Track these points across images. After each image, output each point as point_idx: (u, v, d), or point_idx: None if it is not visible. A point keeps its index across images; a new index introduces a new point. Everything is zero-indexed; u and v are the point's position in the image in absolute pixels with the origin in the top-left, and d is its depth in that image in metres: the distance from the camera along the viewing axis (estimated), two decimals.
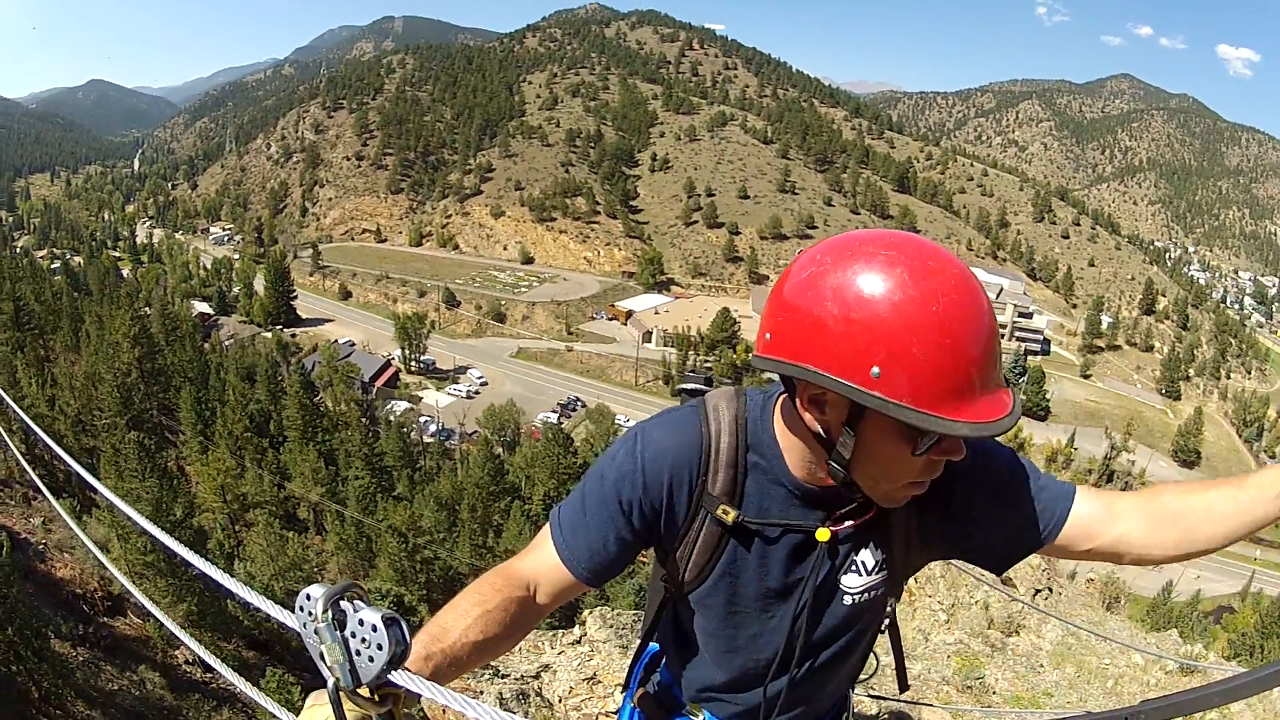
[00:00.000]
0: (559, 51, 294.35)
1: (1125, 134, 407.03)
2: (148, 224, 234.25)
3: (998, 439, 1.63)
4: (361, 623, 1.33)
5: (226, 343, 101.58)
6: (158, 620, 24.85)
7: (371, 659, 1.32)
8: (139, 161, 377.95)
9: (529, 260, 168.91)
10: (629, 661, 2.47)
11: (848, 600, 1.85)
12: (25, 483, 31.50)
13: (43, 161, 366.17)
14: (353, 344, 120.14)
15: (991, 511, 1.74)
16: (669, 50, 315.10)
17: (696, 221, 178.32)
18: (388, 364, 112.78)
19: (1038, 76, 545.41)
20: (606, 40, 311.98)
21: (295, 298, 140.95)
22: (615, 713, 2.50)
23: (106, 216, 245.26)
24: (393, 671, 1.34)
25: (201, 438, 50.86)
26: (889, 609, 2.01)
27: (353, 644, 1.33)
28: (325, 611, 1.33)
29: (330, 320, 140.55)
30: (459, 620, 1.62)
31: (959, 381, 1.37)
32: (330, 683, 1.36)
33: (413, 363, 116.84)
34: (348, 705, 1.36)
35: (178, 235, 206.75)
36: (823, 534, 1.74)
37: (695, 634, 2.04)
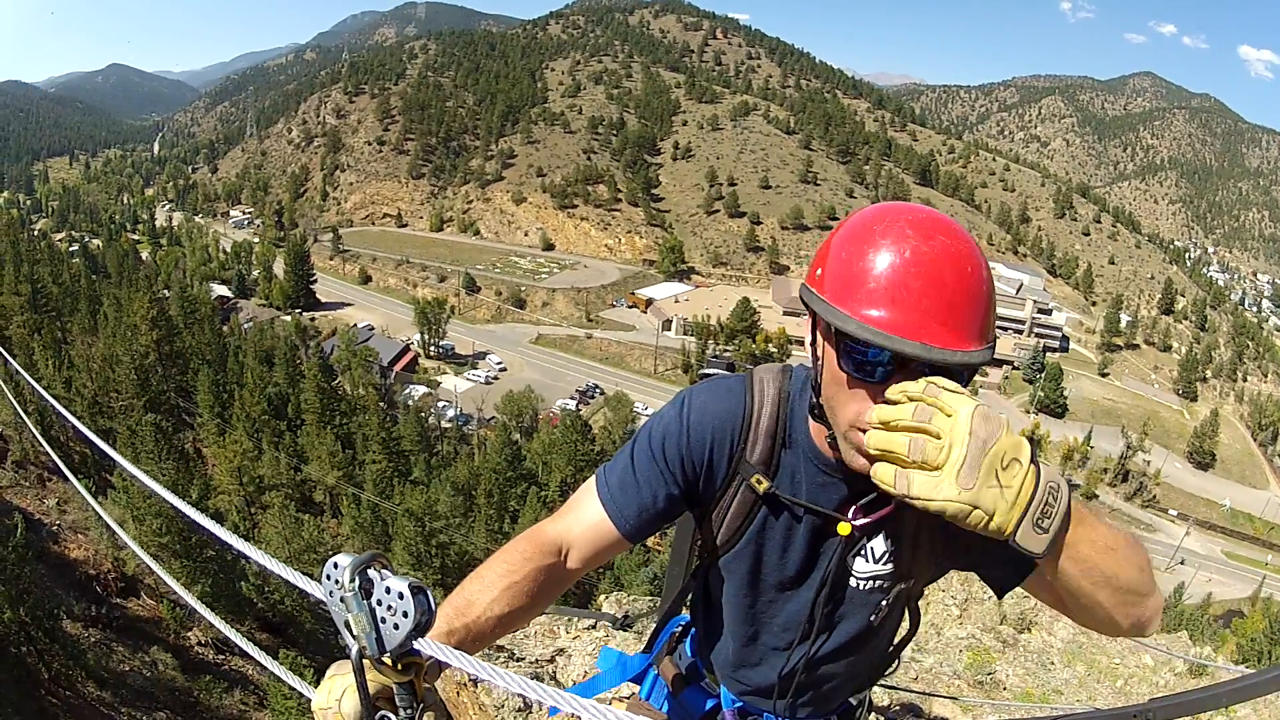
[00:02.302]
0: (582, 39, 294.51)
1: (1147, 132, 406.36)
2: (167, 207, 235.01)
3: None
4: (388, 590, 1.34)
5: (245, 326, 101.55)
6: (171, 601, 24.63)
7: (397, 626, 1.33)
8: (159, 145, 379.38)
9: (550, 247, 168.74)
10: (643, 648, 2.59)
11: (853, 583, 1.91)
12: (40, 464, 31.10)
13: (61, 145, 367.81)
14: (372, 328, 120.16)
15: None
16: (692, 39, 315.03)
17: (718, 211, 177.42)
18: (406, 348, 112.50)
19: (1061, 72, 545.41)
20: (630, 28, 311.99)
21: (315, 281, 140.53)
22: (627, 698, 2.52)
23: (126, 200, 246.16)
24: (418, 639, 1.35)
25: (219, 420, 50.78)
26: (911, 613, 2.11)
27: (379, 612, 1.34)
28: (352, 580, 1.33)
29: (350, 304, 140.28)
30: (484, 592, 1.66)
31: (873, 291, 1.46)
32: (354, 650, 1.36)
33: (432, 348, 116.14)
34: (370, 674, 1.38)
35: (197, 219, 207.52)
36: (843, 528, 1.81)
37: (720, 605, 2.13)
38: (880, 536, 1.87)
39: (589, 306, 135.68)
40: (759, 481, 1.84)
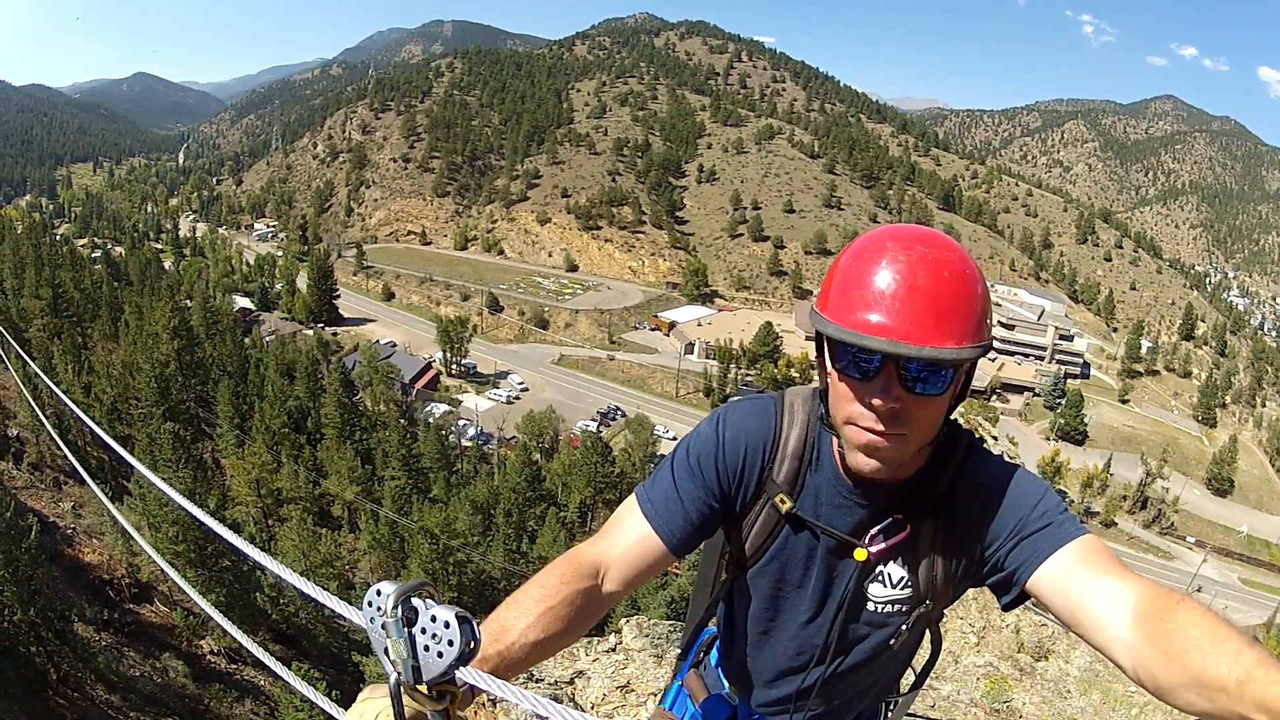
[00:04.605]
0: (608, 60, 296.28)
1: (1168, 156, 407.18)
2: (191, 218, 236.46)
3: (1033, 476, 1.88)
4: (434, 619, 1.35)
5: (267, 338, 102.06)
6: (184, 609, 24.59)
7: (440, 655, 1.34)
8: (184, 155, 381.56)
9: (574, 268, 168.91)
10: (663, 671, 2.63)
11: (871, 607, 2.00)
12: (56, 467, 31.24)
13: (85, 151, 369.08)
14: (394, 345, 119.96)
15: (1003, 541, 1.81)
16: (718, 62, 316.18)
17: (742, 234, 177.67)
18: (428, 366, 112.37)
19: (1083, 96, 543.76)
20: (655, 50, 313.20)
21: (338, 296, 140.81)
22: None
23: (149, 209, 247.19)
24: (460, 668, 1.36)
25: (238, 431, 50.82)
26: (932, 633, 2.21)
27: (420, 640, 1.35)
28: (395, 607, 1.34)
29: (372, 320, 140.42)
30: (520, 618, 1.69)
31: (853, 298, 1.61)
32: (393, 678, 1.38)
33: (454, 366, 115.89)
34: (406, 701, 1.40)
35: (221, 230, 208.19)
36: (860, 554, 1.91)
37: (744, 618, 2.20)
38: (897, 562, 1.95)
39: (612, 328, 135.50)
40: (783, 501, 1.94)
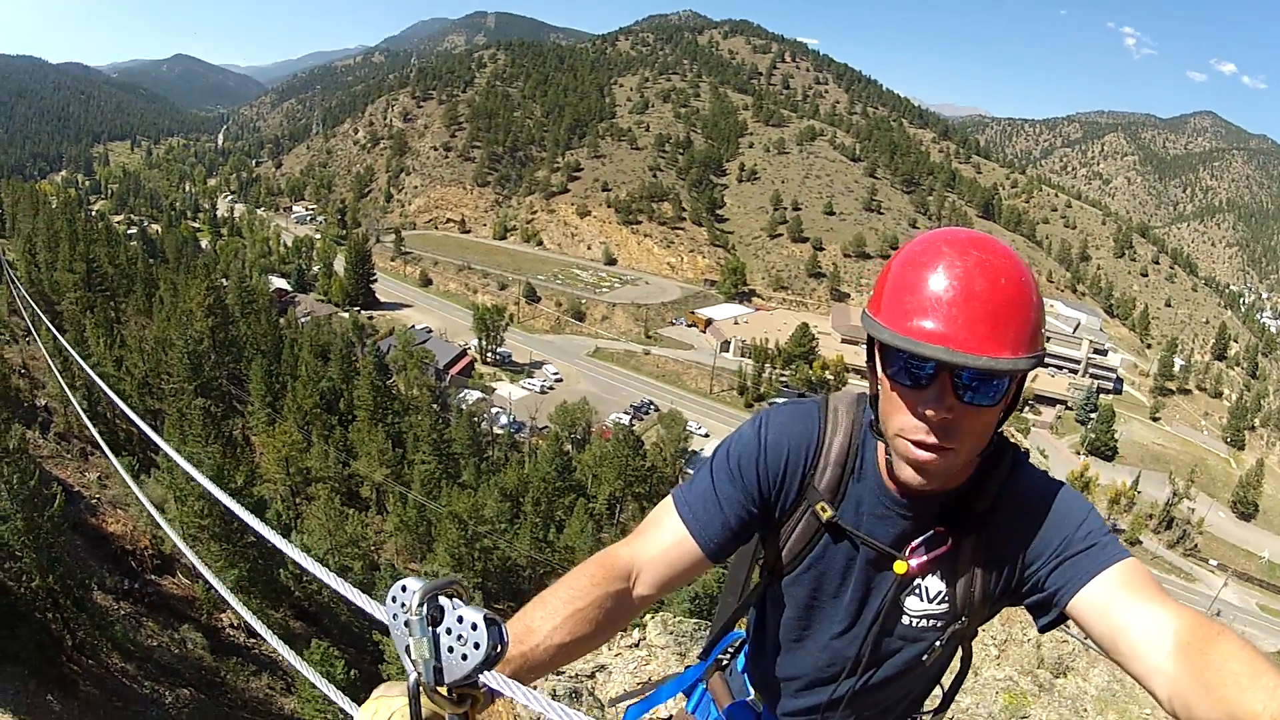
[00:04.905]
0: (651, 56, 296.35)
1: (1206, 173, 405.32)
2: (229, 198, 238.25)
3: (1078, 495, 1.82)
4: (460, 620, 1.29)
5: (302, 320, 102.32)
6: (206, 582, 24.40)
7: (465, 657, 1.29)
8: (223, 137, 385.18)
9: (612, 261, 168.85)
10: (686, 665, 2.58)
11: (906, 620, 1.95)
12: (84, 438, 31.23)
13: (123, 130, 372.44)
14: (430, 331, 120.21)
15: (1045, 560, 1.75)
16: (761, 61, 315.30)
17: (781, 235, 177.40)
18: (463, 353, 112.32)
19: (1123, 108, 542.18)
20: (699, 47, 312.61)
21: (375, 281, 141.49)
22: (668, 718, 2.64)
23: (187, 188, 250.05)
24: (484, 672, 1.31)
25: (270, 410, 51.27)
26: (964, 651, 2.11)
27: (445, 641, 1.30)
28: (421, 605, 1.29)
29: (409, 306, 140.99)
30: (546, 619, 1.62)
31: (908, 304, 1.56)
32: (412, 678, 1.32)
33: (489, 354, 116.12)
34: (425, 702, 1.34)
35: (259, 211, 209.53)
36: (899, 567, 1.85)
37: (774, 627, 2.16)
38: (936, 575, 1.90)
39: (648, 323, 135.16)
40: (823, 509, 1.89)
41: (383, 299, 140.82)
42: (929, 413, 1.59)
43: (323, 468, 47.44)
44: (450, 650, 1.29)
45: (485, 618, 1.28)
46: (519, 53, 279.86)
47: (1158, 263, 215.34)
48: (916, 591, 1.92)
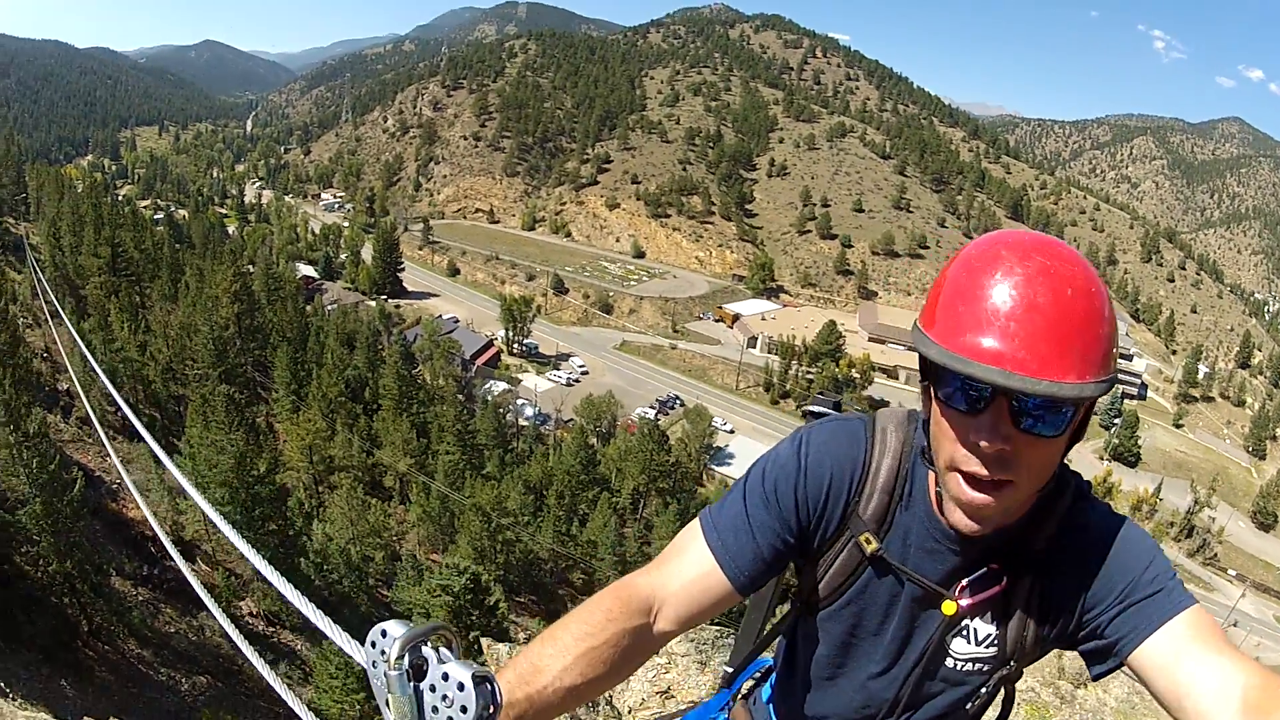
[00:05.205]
0: (682, 49, 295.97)
1: (1233, 179, 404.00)
2: (257, 185, 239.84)
3: (1143, 532, 1.64)
4: (446, 677, 1.14)
5: (329, 307, 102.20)
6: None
7: (450, 719, 1.13)
8: (252, 123, 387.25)
9: (640, 254, 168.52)
10: (706, 679, 2.52)
11: (950, 663, 1.79)
12: (105, 423, 30.94)
13: (150, 115, 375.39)
14: (456, 321, 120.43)
15: (1108, 605, 1.58)
16: (792, 56, 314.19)
17: (810, 231, 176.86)
18: (490, 344, 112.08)
19: (1152, 112, 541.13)
20: (730, 41, 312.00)
21: (402, 270, 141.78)
22: None
23: (215, 174, 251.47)
24: None
25: (294, 397, 51.38)
26: (1007, 693, 1.91)
27: (428, 700, 1.14)
28: (400, 657, 1.14)
29: (436, 295, 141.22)
30: (557, 658, 1.44)
31: (961, 316, 1.39)
32: None
33: (515, 345, 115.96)
34: None
35: (287, 198, 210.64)
36: (949, 608, 1.69)
37: (808, 661, 1.99)
38: (986, 617, 1.73)
39: (676, 317, 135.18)
40: (868, 540, 1.72)
41: (410, 288, 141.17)
42: (983, 443, 1.41)
43: (346, 456, 47.52)
44: (435, 711, 1.14)
45: (474, 675, 1.14)
46: (550, 43, 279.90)
47: (1184, 268, 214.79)
48: (964, 633, 1.75)
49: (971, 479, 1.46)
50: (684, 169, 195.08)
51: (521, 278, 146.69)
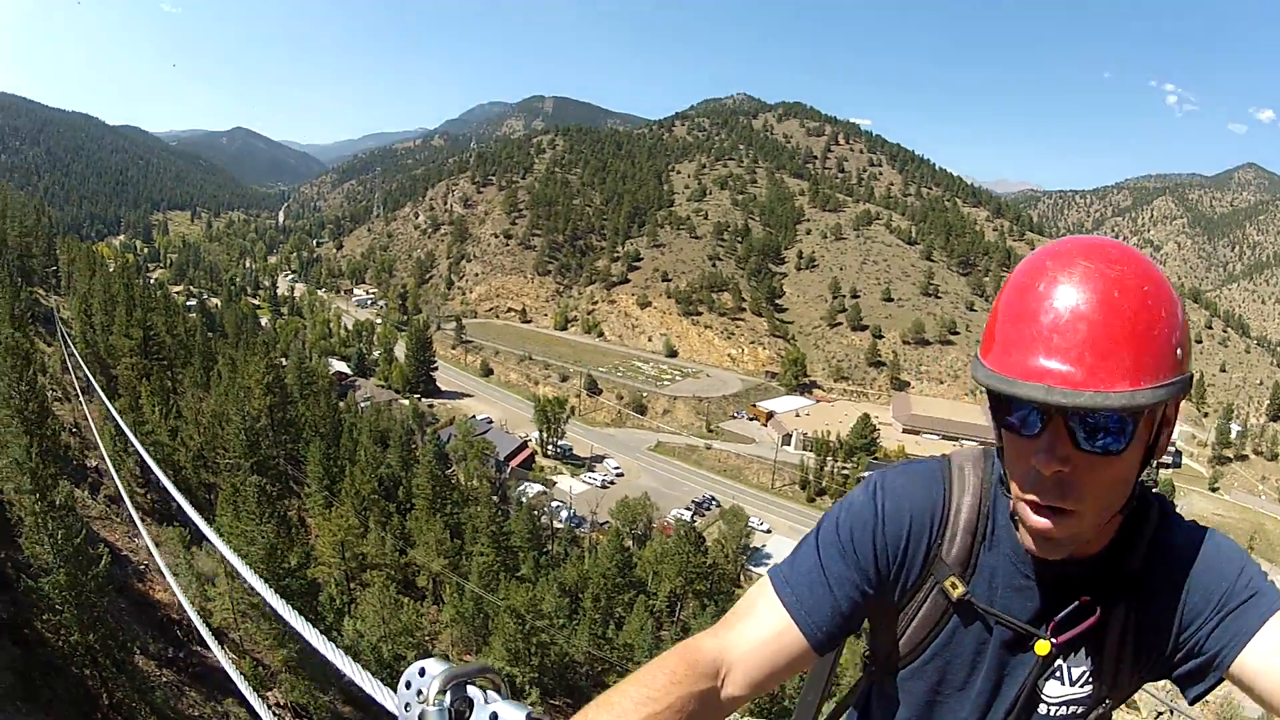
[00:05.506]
0: (707, 141, 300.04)
1: (1253, 228, 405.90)
2: (290, 277, 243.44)
3: (1229, 540, 1.60)
4: (494, 718, 1.03)
5: (362, 404, 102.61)
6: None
7: None
8: (284, 215, 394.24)
9: (673, 353, 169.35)
10: None
11: (1043, 709, 1.67)
12: (135, 504, 31.62)
13: (183, 199, 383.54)
14: (490, 421, 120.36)
15: (1205, 619, 1.51)
16: (815, 144, 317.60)
17: (840, 324, 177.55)
18: (524, 445, 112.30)
19: (1169, 170, 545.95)
20: (754, 132, 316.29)
21: (436, 368, 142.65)
22: None
23: (248, 264, 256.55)
24: None
25: (327, 493, 51.18)
26: None
27: None
28: (442, 692, 1.03)
29: (470, 395, 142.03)
30: None
31: (1006, 334, 1.36)
32: None
33: (550, 446, 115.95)
34: None
35: (320, 292, 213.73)
36: (1042, 648, 1.58)
37: None
38: (1081, 653, 1.63)
39: (710, 416, 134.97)
40: (954, 585, 1.63)
41: (444, 387, 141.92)
42: (1041, 467, 1.36)
43: (379, 554, 47.35)
44: None
45: (529, 717, 1.03)
46: (577, 138, 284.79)
47: (1210, 327, 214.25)
48: (1057, 674, 1.65)
49: (1034, 505, 1.41)
50: (713, 265, 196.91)
51: (555, 378, 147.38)
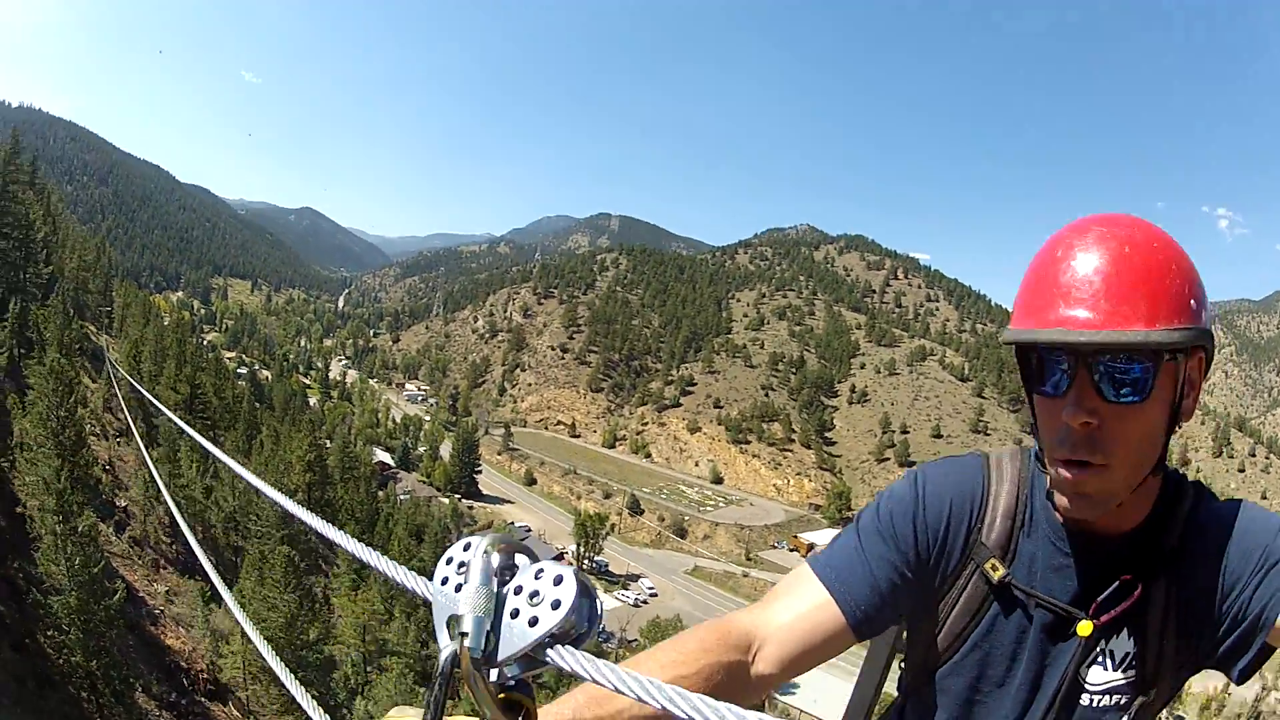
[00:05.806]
0: (769, 271, 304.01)
1: None
2: (343, 362, 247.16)
3: (1263, 509, 1.59)
4: (540, 574, 0.89)
5: (402, 497, 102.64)
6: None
7: (534, 621, 0.87)
8: (344, 300, 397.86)
9: (719, 480, 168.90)
10: None
11: (1085, 700, 1.63)
12: (159, 551, 31.72)
13: (245, 269, 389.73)
14: (529, 529, 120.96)
15: (1246, 579, 1.50)
16: (874, 278, 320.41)
17: (888, 459, 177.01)
18: (560, 557, 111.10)
19: (1219, 296, 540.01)
20: (815, 263, 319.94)
21: (479, 472, 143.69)
22: None
23: (303, 343, 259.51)
24: (555, 648, 0.87)
25: (355, 576, 50.83)
26: None
27: (511, 602, 0.89)
28: (488, 552, 0.93)
29: (511, 502, 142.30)
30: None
31: (1029, 297, 1.43)
32: (445, 653, 0.90)
33: (586, 560, 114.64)
34: (464, 693, 0.95)
35: (372, 382, 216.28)
36: (1084, 628, 1.56)
37: None
38: (1122, 634, 1.61)
39: (750, 544, 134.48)
40: (994, 567, 1.62)
41: (485, 491, 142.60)
42: (1070, 420, 1.40)
43: (401, 643, 46.91)
44: (515, 615, 0.89)
45: (578, 577, 0.88)
46: (640, 259, 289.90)
47: (1254, 455, 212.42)
48: (1099, 659, 1.61)
49: (1066, 462, 1.43)
50: (766, 394, 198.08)
51: (598, 494, 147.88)
